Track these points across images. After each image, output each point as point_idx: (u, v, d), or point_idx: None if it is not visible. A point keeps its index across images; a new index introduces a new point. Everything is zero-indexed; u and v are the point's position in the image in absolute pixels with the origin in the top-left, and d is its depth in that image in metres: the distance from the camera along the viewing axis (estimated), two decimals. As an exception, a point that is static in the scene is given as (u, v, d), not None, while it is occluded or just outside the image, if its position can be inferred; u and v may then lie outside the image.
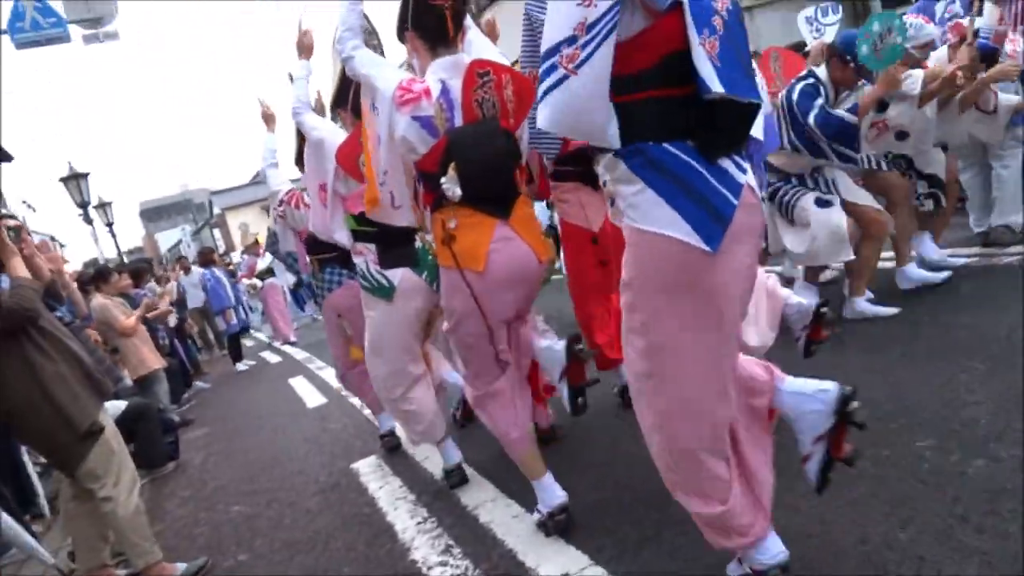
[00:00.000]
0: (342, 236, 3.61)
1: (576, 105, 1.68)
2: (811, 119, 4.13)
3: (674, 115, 1.71)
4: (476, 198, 2.53)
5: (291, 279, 11.54)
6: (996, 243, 4.96)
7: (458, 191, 2.48)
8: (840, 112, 4.13)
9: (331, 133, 3.63)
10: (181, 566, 3.41)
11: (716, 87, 1.61)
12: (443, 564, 2.77)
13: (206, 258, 11.81)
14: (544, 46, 1.70)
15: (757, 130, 3.09)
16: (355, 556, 3.11)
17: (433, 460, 3.90)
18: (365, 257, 3.47)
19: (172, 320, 9.14)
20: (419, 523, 3.23)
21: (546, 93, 1.71)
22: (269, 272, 12.23)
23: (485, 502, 3.20)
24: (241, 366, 11.01)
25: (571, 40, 1.63)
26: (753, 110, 1.76)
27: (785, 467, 2.67)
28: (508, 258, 2.58)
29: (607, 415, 3.79)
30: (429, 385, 3.61)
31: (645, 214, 1.76)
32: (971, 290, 4.31)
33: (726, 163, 1.75)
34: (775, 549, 1.97)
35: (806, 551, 2.15)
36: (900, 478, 2.45)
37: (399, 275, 3.40)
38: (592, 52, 1.61)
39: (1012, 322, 3.50)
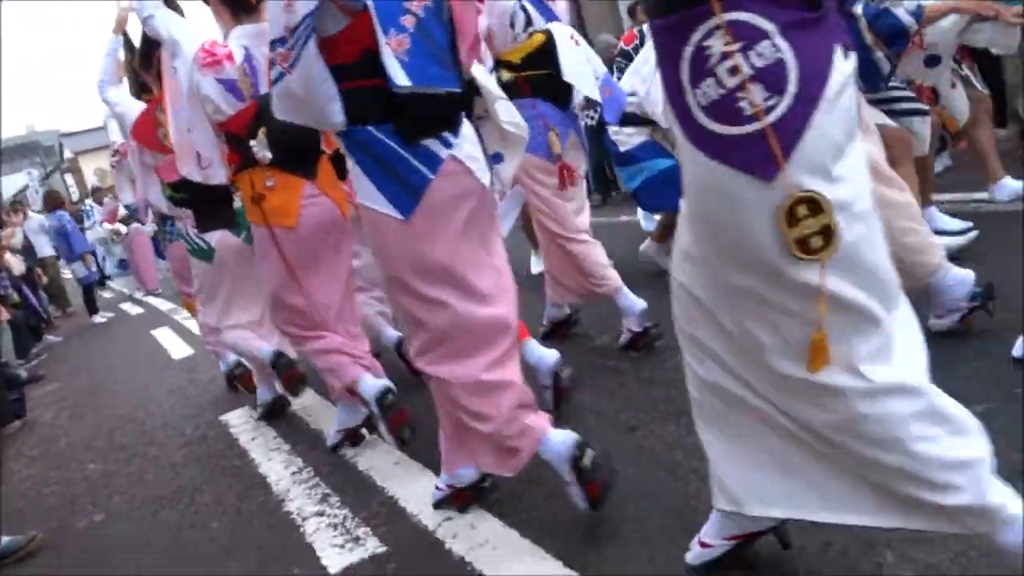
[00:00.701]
0: (161, 205, 3.72)
1: (296, 97, 1.90)
2: (858, 7, 3.06)
3: (378, 102, 1.91)
4: (284, 160, 2.69)
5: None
6: None
7: (268, 154, 2.65)
8: (899, 11, 3.12)
9: (131, 109, 3.75)
10: (5, 540, 3.01)
11: (401, 81, 1.82)
12: (320, 514, 2.65)
13: (55, 201, 10.84)
14: (271, 40, 1.88)
15: (593, 91, 3.02)
16: (224, 510, 2.93)
17: (309, 409, 3.75)
18: (185, 221, 3.64)
19: (18, 268, 8.38)
20: (294, 473, 3.08)
21: (274, 85, 1.91)
22: (133, 217, 11.38)
23: (364, 449, 3.08)
24: (98, 318, 10.27)
25: (282, 41, 1.82)
26: (456, 97, 1.99)
27: (674, 417, 2.71)
28: (318, 213, 2.78)
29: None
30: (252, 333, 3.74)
31: (359, 189, 2.02)
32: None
33: (428, 141, 1.96)
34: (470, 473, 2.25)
35: (688, 487, 2.17)
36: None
37: (216, 237, 3.56)
38: (299, 54, 1.81)
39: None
